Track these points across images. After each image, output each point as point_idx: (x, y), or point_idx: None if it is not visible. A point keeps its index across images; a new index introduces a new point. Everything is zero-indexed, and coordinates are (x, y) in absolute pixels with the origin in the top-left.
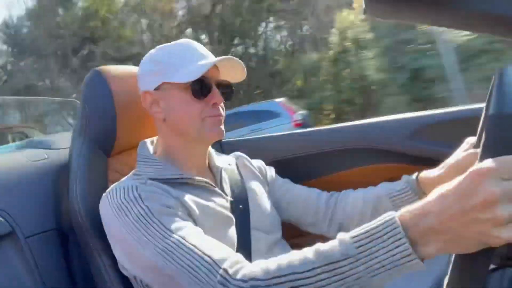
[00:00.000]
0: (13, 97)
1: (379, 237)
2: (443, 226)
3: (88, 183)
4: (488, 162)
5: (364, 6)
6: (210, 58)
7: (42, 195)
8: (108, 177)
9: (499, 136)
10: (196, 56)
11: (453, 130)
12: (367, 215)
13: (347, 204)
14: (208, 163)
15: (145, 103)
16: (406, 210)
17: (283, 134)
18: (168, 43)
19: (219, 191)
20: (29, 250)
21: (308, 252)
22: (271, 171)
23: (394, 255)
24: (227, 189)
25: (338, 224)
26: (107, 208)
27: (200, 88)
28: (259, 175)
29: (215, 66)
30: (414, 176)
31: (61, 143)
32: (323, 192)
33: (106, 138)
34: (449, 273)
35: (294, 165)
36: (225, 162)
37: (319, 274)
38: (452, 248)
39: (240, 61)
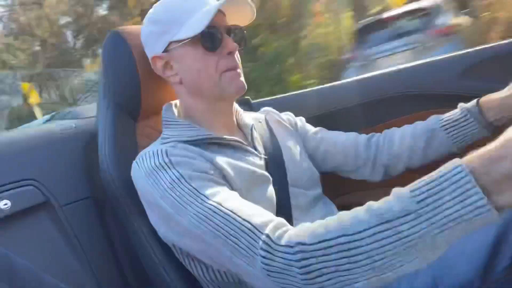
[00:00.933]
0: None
1: (444, 188)
2: None
3: (117, 149)
4: None
5: None
6: (211, 2)
7: (74, 164)
8: (138, 142)
9: None
10: (196, 3)
11: (508, 65)
12: (417, 152)
13: (393, 143)
14: (237, 122)
15: (157, 68)
16: (475, 155)
17: (317, 89)
18: None
19: (252, 150)
20: (66, 219)
21: (359, 211)
22: (301, 122)
23: (465, 207)
24: (260, 147)
25: (383, 167)
26: (139, 175)
27: (211, 38)
28: (291, 128)
29: (220, 12)
30: (473, 102)
31: (88, 113)
32: (361, 135)
33: (131, 103)
34: None
35: (333, 120)
36: (255, 119)
37: (373, 234)
38: None
39: (250, 2)
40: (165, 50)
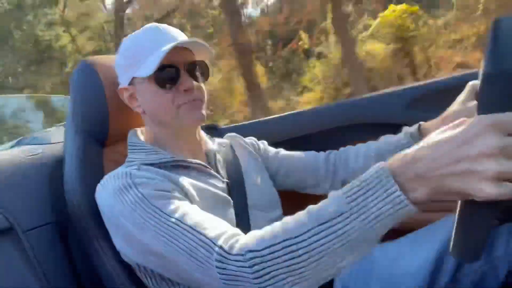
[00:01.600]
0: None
1: (370, 189)
2: (431, 174)
3: (83, 174)
4: (493, 115)
5: None
6: (177, 40)
7: (39, 190)
8: (104, 167)
9: (495, 94)
10: (160, 41)
11: (450, 98)
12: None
13: (349, 159)
14: (202, 147)
15: (124, 98)
16: (397, 157)
17: (280, 116)
18: (137, 31)
19: (214, 173)
20: (29, 244)
21: (301, 215)
22: (264, 145)
23: (387, 204)
24: (222, 171)
25: (341, 182)
26: (102, 196)
27: (166, 78)
28: (254, 151)
29: (185, 48)
30: (415, 126)
31: (55, 138)
32: (319, 152)
33: (99, 129)
34: (453, 233)
35: (295, 146)
36: (220, 145)
37: (314, 235)
38: (439, 195)
39: (201, 41)
40: (130, 83)
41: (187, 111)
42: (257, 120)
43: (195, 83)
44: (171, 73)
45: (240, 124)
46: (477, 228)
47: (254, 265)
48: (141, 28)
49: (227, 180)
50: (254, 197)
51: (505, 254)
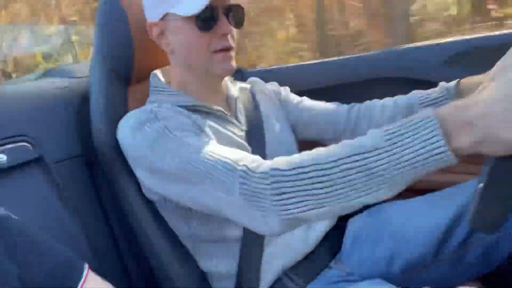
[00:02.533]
0: None
1: (411, 130)
2: (482, 121)
3: (108, 113)
4: None
5: None
6: None
7: (67, 123)
8: (129, 105)
9: None
10: None
11: (492, 58)
12: None
13: (374, 113)
14: (224, 93)
15: (152, 35)
16: (449, 104)
17: (308, 64)
18: None
19: (234, 121)
20: (58, 175)
21: (335, 146)
22: (286, 91)
23: (424, 148)
24: (242, 119)
25: None
26: (123, 131)
27: (206, 19)
28: (275, 98)
29: None
30: (454, 82)
31: (81, 71)
32: (343, 104)
33: (124, 67)
34: (476, 201)
35: (320, 97)
36: (241, 90)
37: (344, 164)
38: (482, 146)
39: None
40: (162, 19)
41: (219, 60)
42: (283, 65)
43: (232, 28)
44: (212, 15)
45: (265, 68)
46: (506, 197)
47: (274, 182)
48: None
49: (246, 129)
50: (273, 145)
51: None
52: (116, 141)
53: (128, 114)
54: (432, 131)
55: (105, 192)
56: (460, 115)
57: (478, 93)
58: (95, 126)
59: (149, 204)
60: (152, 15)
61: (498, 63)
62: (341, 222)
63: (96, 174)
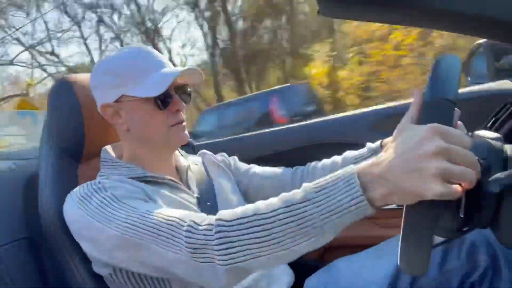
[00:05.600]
0: None
1: (335, 183)
2: (390, 175)
3: (58, 190)
4: (439, 125)
5: (318, 6)
6: (168, 65)
7: (13, 205)
8: (79, 183)
9: (434, 119)
10: (154, 64)
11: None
12: None
13: (316, 172)
14: (175, 164)
15: (106, 115)
16: (365, 162)
17: (252, 134)
18: (120, 51)
19: (185, 189)
20: (1, 259)
21: (274, 198)
22: (234, 160)
23: (345, 198)
24: (194, 187)
25: None
26: (70, 204)
27: (163, 99)
28: (225, 168)
29: None
30: (377, 143)
31: (28, 154)
32: (287, 168)
33: (74, 145)
34: (399, 247)
35: (266, 164)
36: (192, 162)
37: (278, 215)
38: (393, 197)
39: (197, 69)
40: (116, 101)
41: (176, 132)
42: (231, 137)
43: (183, 103)
44: (168, 95)
45: (213, 141)
46: (421, 239)
47: (219, 232)
48: (124, 49)
49: (197, 196)
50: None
51: (457, 267)
52: (65, 220)
53: (76, 187)
54: (352, 183)
55: (51, 274)
56: (374, 170)
57: (384, 151)
58: (43, 206)
59: (99, 281)
60: (105, 97)
61: (398, 126)
62: (300, 282)
63: (41, 255)
